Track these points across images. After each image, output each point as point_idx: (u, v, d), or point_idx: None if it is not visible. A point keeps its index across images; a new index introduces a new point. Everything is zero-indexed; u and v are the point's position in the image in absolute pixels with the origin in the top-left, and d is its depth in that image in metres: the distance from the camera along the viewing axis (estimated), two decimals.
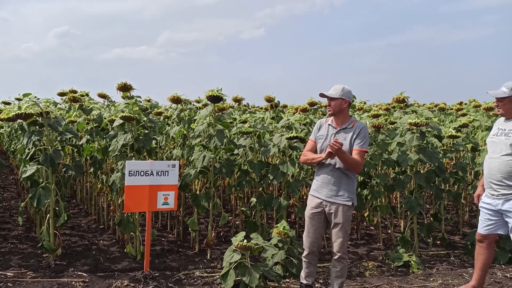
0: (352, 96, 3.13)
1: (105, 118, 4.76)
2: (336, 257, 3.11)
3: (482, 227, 3.33)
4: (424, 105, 8.84)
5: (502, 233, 3.28)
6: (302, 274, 3.31)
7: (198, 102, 6.74)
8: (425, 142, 4.25)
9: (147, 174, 3.73)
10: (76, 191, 7.38)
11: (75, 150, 4.85)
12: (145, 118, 4.28)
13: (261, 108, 8.41)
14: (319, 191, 3.12)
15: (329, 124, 3.14)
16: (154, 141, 4.99)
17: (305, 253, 3.25)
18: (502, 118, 3.31)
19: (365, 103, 8.15)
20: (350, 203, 3.04)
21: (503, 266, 4.16)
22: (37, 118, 3.91)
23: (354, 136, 3.01)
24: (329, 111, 3.11)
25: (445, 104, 8.29)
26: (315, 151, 3.19)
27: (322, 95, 3.10)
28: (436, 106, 8.29)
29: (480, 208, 3.38)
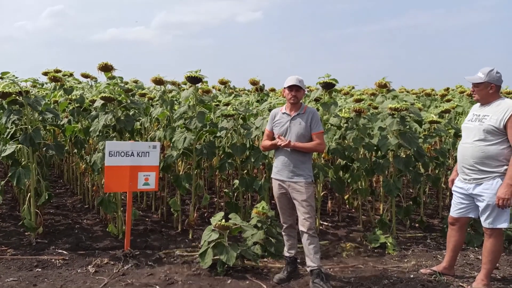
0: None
1: (87, 99, 4.74)
2: (310, 233, 3.23)
3: (454, 210, 3.42)
4: (412, 90, 8.86)
5: (473, 216, 3.36)
6: (285, 248, 3.52)
7: (185, 84, 6.72)
8: (407, 127, 4.30)
9: (127, 155, 3.76)
10: (63, 171, 7.39)
11: (57, 130, 4.83)
12: (128, 100, 4.27)
13: (249, 91, 8.38)
14: (281, 174, 3.33)
15: (283, 113, 3.38)
16: (138, 122, 4.99)
17: (283, 227, 3.49)
18: (478, 104, 3.35)
19: (353, 87, 8.16)
20: (310, 180, 3.27)
21: (477, 249, 4.27)
22: (17, 97, 3.89)
23: (309, 120, 3.28)
24: (293, 100, 3.31)
25: (432, 90, 8.31)
26: (272, 139, 3.41)
27: (294, 86, 3.28)
28: (423, 91, 8.31)
29: (453, 192, 3.45)
